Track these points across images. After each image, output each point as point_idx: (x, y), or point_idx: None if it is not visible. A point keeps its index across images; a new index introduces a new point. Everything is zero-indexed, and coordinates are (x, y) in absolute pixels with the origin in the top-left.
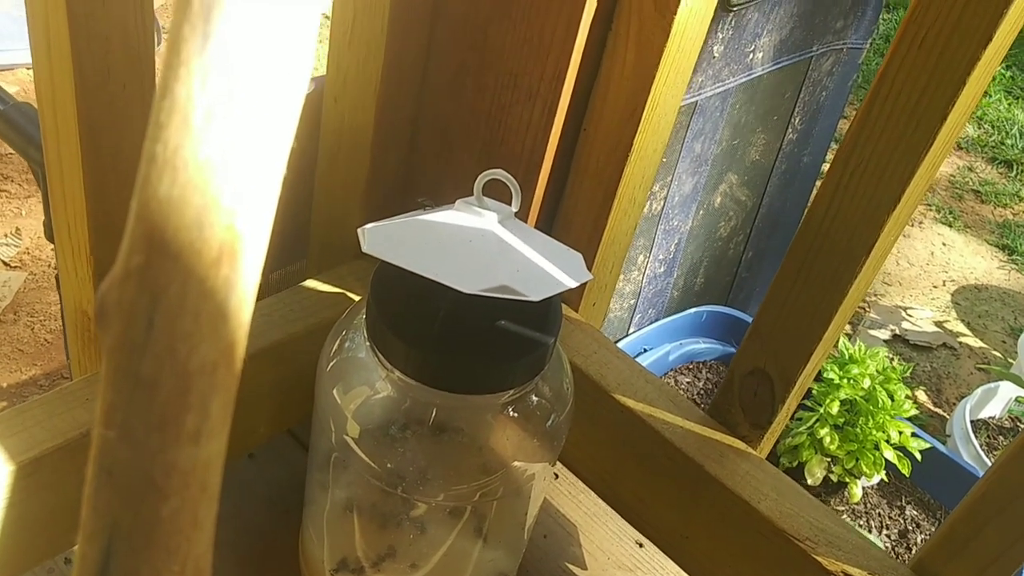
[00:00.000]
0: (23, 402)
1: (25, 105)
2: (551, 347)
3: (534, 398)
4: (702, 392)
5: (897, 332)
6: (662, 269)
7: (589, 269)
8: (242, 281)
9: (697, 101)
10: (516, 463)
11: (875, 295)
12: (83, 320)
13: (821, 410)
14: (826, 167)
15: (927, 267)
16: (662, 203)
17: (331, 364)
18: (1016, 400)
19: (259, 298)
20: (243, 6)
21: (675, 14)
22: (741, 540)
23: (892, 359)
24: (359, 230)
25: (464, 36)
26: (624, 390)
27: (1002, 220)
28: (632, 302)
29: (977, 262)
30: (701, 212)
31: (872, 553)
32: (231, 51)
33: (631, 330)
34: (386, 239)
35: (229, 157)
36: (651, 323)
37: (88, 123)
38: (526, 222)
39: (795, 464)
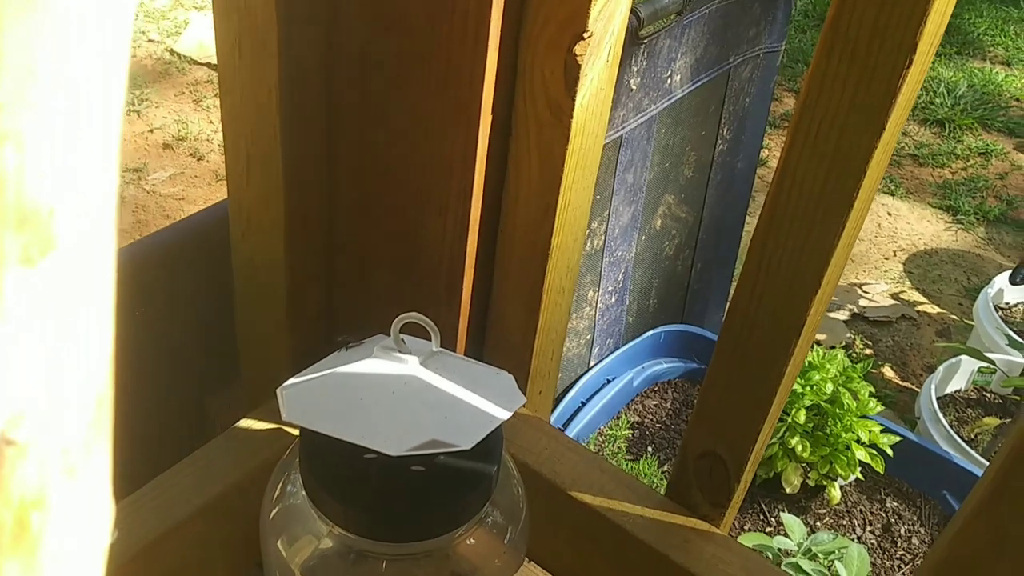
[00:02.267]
0: None
1: None
2: (495, 476)
3: (488, 520)
4: (670, 412)
5: (855, 311)
6: (613, 299)
7: (528, 361)
8: None
9: (622, 135)
10: None
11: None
12: None
13: (789, 419)
14: (763, 170)
15: (876, 240)
16: (602, 237)
17: (273, 512)
18: (979, 371)
19: (201, 436)
20: None
21: (572, 117)
22: None
23: (853, 340)
24: (278, 392)
25: (366, 166)
26: (580, 485)
27: (942, 181)
28: (588, 337)
29: (924, 227)
30: (643, 237)
31: None
32: None
33: (592, 364)
34: (306, 402)
35: None
36: (611, 353)
37: None
38: (456, 325)
39: (771, 475)
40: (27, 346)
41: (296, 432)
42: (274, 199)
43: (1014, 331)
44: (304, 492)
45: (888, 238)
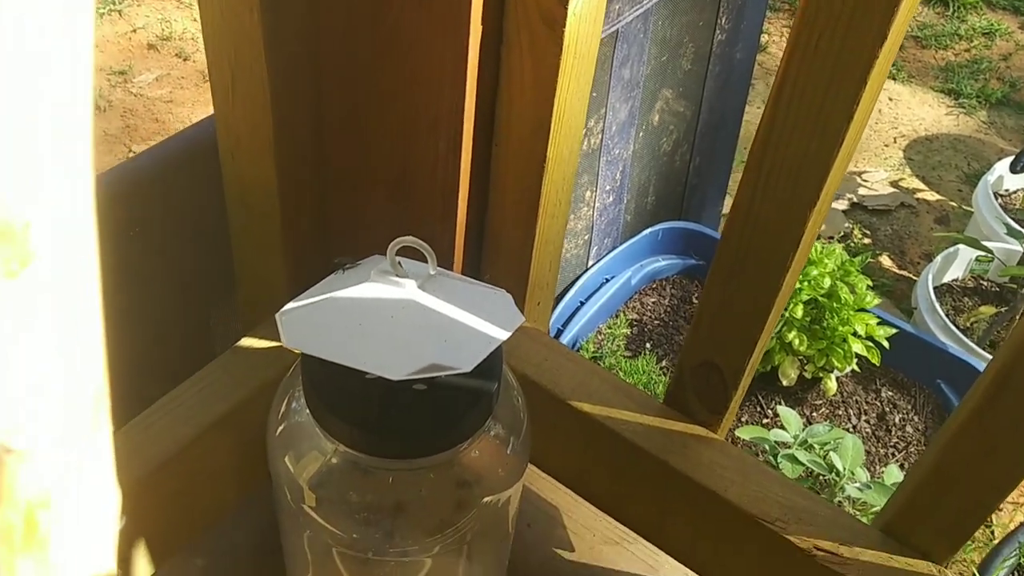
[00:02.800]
0: None
1: None
2: (495, 393)
3: (490, 434)
4: (668, 309)
5: (855, 200)
6: (611, 199)
7: (526, 274)
8: None
9: (618, 29)
10: (487, 498)
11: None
12: None
13: (786, 314)
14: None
15: (876, 126)
16: (599, 136)
17: (279, 429)
18: (977, 260)
19: (206, 345)
20: None
21: (564, 27)
22: (714, 525)
23: (852, 229)
24: (277, 318)
25: (352, 82)
26: (579, 395)
27: (944, 63)
28: (586, 237)
29: (925, 112)
30: (641, 134)
31: (841, 522)
32: None
33: (590, 264)
34: (305, 327)
35: None
36: (608, 252)
37: None
38: (452, 243)
39: (768, 369)
40: (18, 356)
41: (298, 351)
42: (262, 120)
43: (1013, 219)
44: (308, 411)
45: (888, 124)
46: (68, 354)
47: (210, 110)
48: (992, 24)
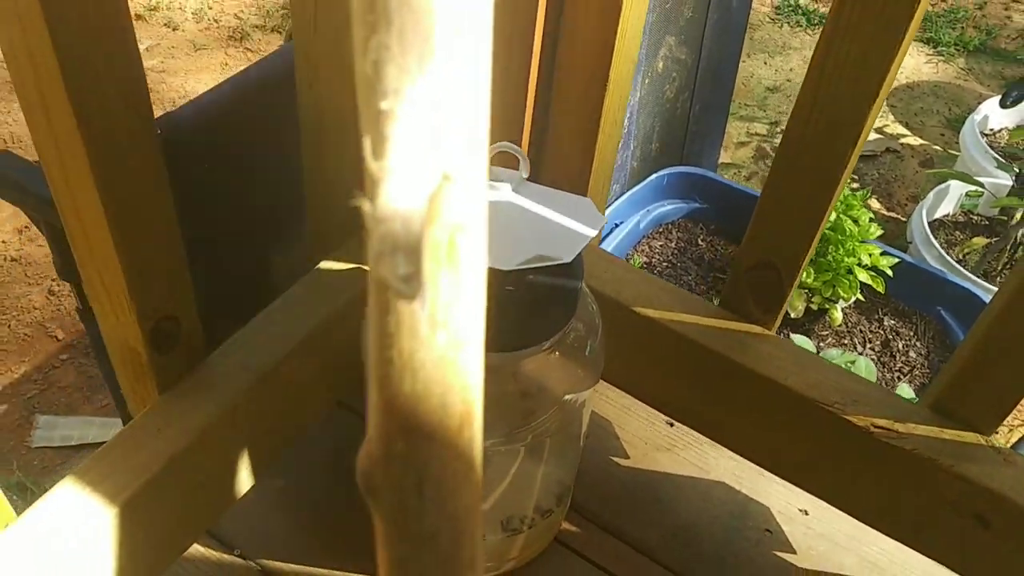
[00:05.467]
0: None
1: (6, 156)
2: (580, 289)
3: (571, 334)
4: (675, 251)
5: None
6: (619, 146)
7: (584, 192)
8: (478, 432)
9: None
10: (567, 397)
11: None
12: (132, 356)
13: None
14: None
15: None
16: None
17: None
18: (967, 195)
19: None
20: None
21: None
22: (774, 415)
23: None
24: None
25: None
26: (642, 302)
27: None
28: None
29: (905, 61)
30: (647, 80)
31: (893, 402)
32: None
33: None
34: None
35: (458, 354)
36: (617, 198)
37: (104, 180)
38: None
39: None
40: (455, 101)
41: None
42: (342, 47)
43: (1000, 154)
44: None
45: None
46: (477, 93)
47: (204, 79)
48: None
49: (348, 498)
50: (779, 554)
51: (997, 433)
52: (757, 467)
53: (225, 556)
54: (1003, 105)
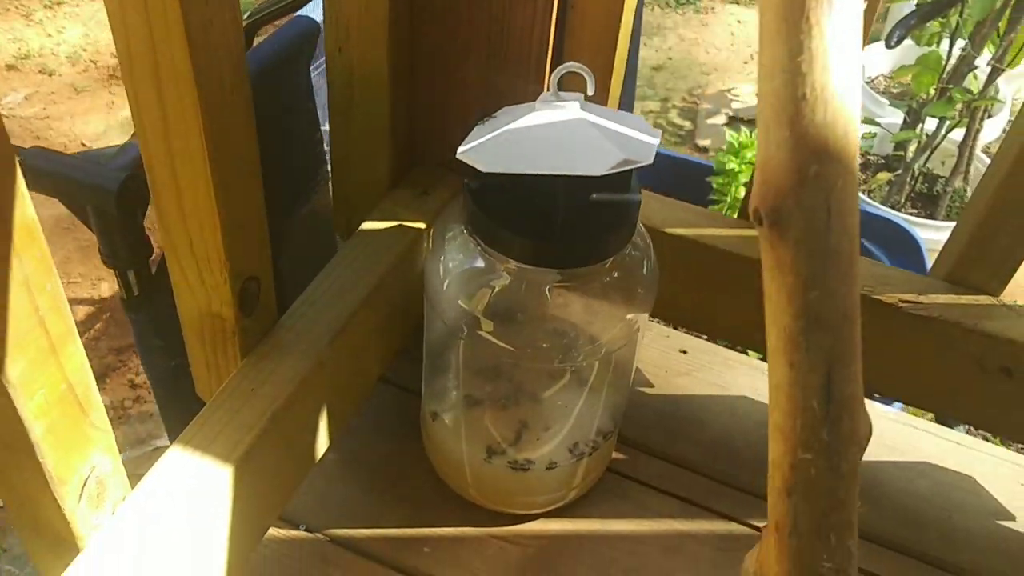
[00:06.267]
0: (193, 419)
1: (40, 151)
2: (639, 205)
3: (631, 251)
4: None
5: (730, 113)
6: None
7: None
8: (857, 159)
9: None
10: (628, 316)
11: (700, 87)
12: (216, 323)
13: (728, 199)
14: None
15: (732, 48)
16: None
17: (446, 283)
18: (861, 137)
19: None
20: None
21: None
22: None
23: None
24: (465, 155)
25: None
26: (670, 223)
27: None
28: None
29: None
30: None
31: (913, 280)
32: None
33: None
34: (495, 155)
35: (848, 92)
36: None
37: (210, 128)
38: None
39: None
40: None
41: (415, 225)
42: (377, 5)
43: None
44: (478, 247)
45: (743, 44)
46: None
47: (91, 120)
48: None
49: (401, 458)
50: None
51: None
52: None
53: (293, 533)
54: (888, 45)
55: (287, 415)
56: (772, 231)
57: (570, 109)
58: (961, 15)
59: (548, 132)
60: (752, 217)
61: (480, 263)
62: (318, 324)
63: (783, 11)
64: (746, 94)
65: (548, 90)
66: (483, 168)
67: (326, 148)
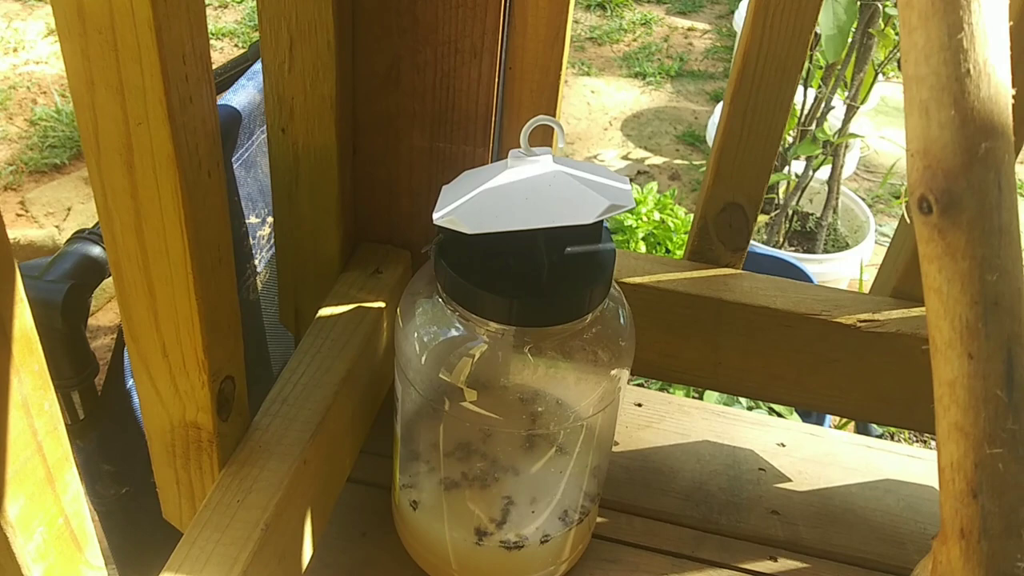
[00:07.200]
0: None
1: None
2: (615, 254)
3: (608, 303)
4: None
5: None
6: None
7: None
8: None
9: None
10: (612, 371)
11: (567, 156)
12: (189, 434)
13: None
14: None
15: (591, 116)
16: None
17: (423, 357)
18: None
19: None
20: None
21: None
22: (768, 340)
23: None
24: (445, 219)
25: (392, 24)
26: (625, 272)
27: (622, 54)
28: None
29: (624, 95)
30: None
31: (864, 299)
32: None
33: None
34: (478, 215)
35: (1004, 55)
36: None
37: (193, 222)
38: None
39: None
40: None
41: (374, 305)
42: (324, 77)
43: None
44: (454, 313)
45: (600, 112)
46: None
47: None
48: (645, 15)
49: (380, 557)
50: (778, 486)
51: None
52: (728, 419)
53: None
54: None
55: (279, 523)
56: (943, 216)
57: (544, 163)
58: (810, 61)
59: (528, 187)
60: (918, 207)
61: (457, 331)
62: (296, 421)
63: None
64: (611, 159)
65: (521, 147)
66: (468, 230)
67: (251, 242)
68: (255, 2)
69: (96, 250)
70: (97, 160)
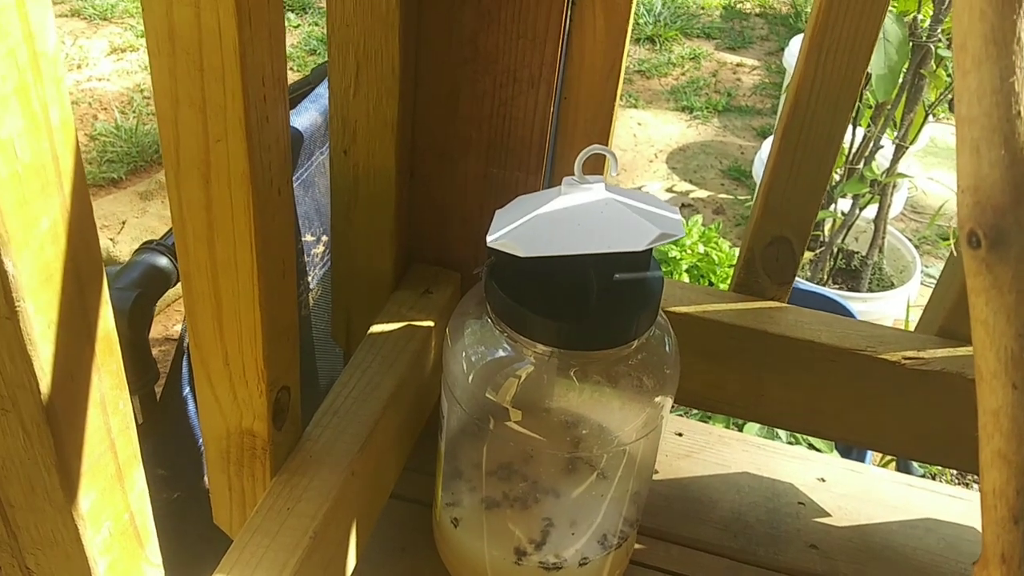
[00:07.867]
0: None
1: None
2: (663, 282)
3: (654, 330)
4: None
5: None
6: None
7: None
8: None
9: None
10: (656, 398)
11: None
12: (244, 441)
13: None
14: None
15: (636, 148)
16: None
17: (471, 376)
18: None
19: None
20: None
21: None
22: (812, 374)
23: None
24: (499, 243)
25: (453, 52)
26: (673, 302)
27: (670, 87)
28: None
29: (670, 129)
30: None
31: (911, 337)
32: None
33: None
34: (531, 239)
35: None
36: None
37: (262, 237)
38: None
39: None
40: None
41: (422, 324)
42: (387, 102)
43: None
44: (503, 335)
45: (645, 144)
46: None
47: None
48: (694, 50)
49: (420, 572)
50: (817, 520)
51: None
52: (769, 452)
53: None
54: None
55: (327, 532)
56: (991, 252)
57: (596, 190)
58: (860, 99)
59: (580, 213)
60: (967, 241)
61: (505, 351)
62: (345, 433)
63: (991, 35)
64: (655, 190)
65: (574, 174)
66: (522, 253)
67: (306, 259)
68: (310, 27)
69: (163, 261)
70: (176, 174)
